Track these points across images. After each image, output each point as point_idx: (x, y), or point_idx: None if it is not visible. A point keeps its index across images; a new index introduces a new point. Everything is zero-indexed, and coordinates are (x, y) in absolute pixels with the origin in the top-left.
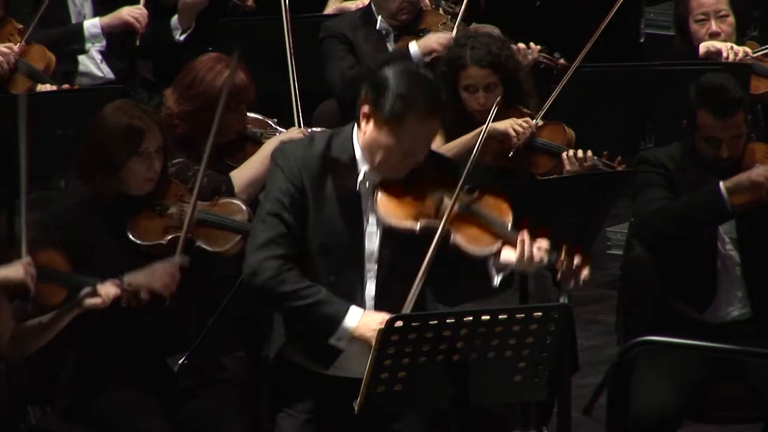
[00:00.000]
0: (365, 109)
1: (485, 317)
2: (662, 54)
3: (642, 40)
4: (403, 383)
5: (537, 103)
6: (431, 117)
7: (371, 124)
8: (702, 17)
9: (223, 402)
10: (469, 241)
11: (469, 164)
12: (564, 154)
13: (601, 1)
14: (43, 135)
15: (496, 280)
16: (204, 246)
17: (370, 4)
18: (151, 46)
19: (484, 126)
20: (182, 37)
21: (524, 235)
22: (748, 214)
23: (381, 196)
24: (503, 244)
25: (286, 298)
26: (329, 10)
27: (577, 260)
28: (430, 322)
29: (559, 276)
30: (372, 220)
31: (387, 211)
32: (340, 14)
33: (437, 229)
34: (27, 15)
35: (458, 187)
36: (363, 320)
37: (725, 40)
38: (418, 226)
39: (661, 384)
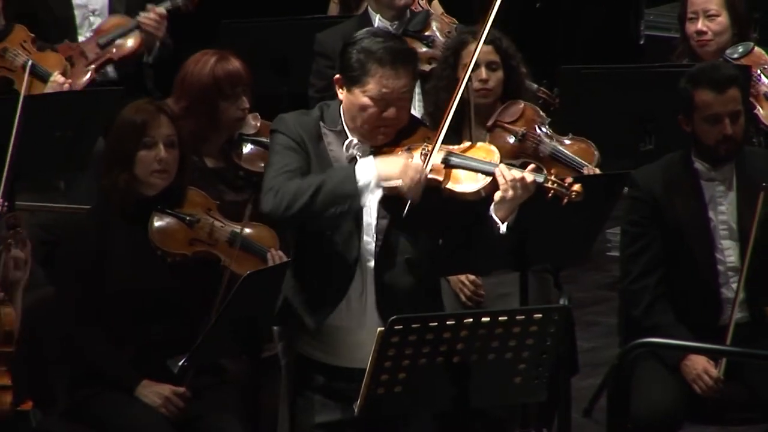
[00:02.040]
0: (337, 78)
1: (485, 319)
2: (664, 57)
3: (642, 42)
4: (403, 385)
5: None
6: (394, 62)
7: (344, 89)
8: (692, 15)
9: (223, 403)
10: (458, 182)
11: (448, 116)
12: (585, 170)
13: (602, 3)
14: (42, 136)
15: (502, 227)
16: (234, 270)
17: (366, 8)
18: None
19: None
20: (150, 59)
21: (501, 167)
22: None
23: None
24: (493, 179)
25: (296, 198)
26: (332, 11)
27: (567, 178)
28: (430, 324)
29: (550, 195)
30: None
31: None
32: (339, 24)
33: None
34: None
35: (438, 134)
36: (378, 160)
37: (712, 39)
38: None
39: (661, 386)
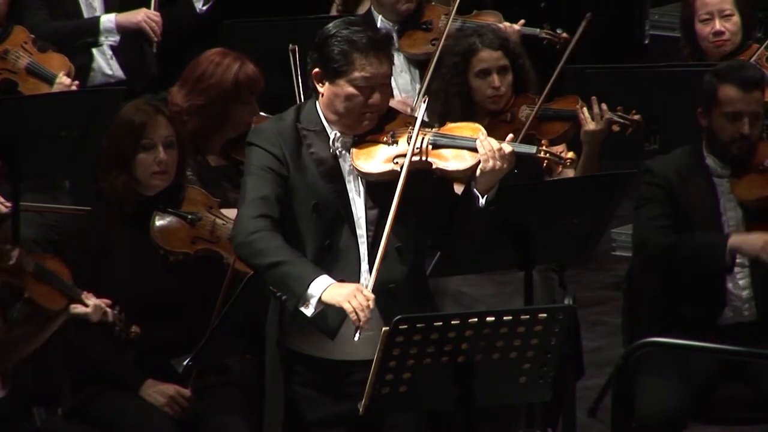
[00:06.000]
0: (315, 72)
1: (490, 318)
2: (669, 57)
3: (646, 42)
4: (408, 385)
5: (537, 88)
6: (377, 51)
7: (325, 83)
8: (706, 17)
9: (227, 403)
10: (447, 162)
11: (423, 90)
12: (580, 113)
13: (605, 3)
14: (47, 136)
15: (482, 200)
16: (236, 268)
17: (369, 8)
18: (172, 24)
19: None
20: (204, 7)
21: (480, 137)
22: (753, 219)
23: (356, 153)
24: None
25: (257, 256)
26: (334, 11)
27: (559, 148)
28: (435, 324)
29: (545, 165)
30: (354, 184)
31: (364, 163)
32: None
33: (408, 156)
34: (39, 16)
35: (418, 117)
36: (332, 286)
37: (729, 39)
38: (399, 167)
39: (665, 385)
